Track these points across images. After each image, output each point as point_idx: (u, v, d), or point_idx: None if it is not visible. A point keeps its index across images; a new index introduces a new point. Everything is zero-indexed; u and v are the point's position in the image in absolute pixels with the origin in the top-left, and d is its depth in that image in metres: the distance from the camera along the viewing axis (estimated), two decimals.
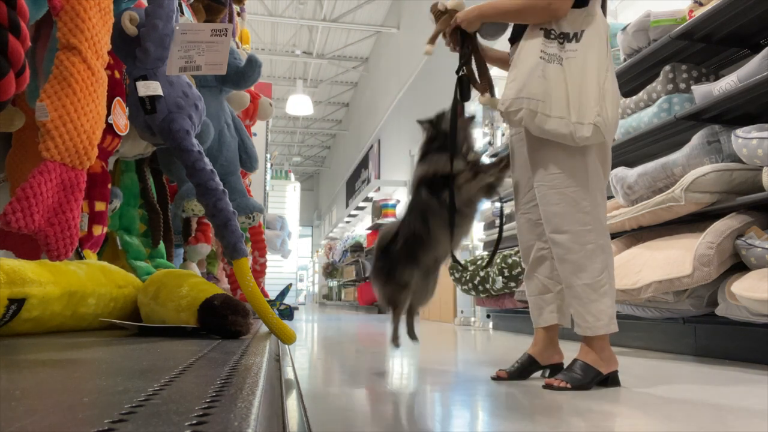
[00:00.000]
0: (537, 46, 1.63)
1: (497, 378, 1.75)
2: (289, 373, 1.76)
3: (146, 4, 1.74)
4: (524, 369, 1.77)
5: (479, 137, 5.61)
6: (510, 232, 4.17)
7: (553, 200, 1.65)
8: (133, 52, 1.74)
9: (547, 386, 1.58)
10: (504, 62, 2.05)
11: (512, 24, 1.82)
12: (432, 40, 1.86)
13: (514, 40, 1.81)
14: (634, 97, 2.93)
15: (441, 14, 1.85)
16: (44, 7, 1.42)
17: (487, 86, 1.82)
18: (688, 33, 2.60)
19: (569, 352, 1.80)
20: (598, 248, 1.62)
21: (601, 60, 1.63)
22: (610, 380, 1.64)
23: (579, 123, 1.58)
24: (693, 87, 2.57)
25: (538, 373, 1.81)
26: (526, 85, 1.60)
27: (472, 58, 1.85)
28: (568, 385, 1.56)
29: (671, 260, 2.34)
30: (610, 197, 3.06)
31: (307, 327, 4.93)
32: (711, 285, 2.28)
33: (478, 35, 1.87)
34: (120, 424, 0.50)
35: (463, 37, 1.84)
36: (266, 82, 9.41)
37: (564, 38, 1.63)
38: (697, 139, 2.50)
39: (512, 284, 3.97)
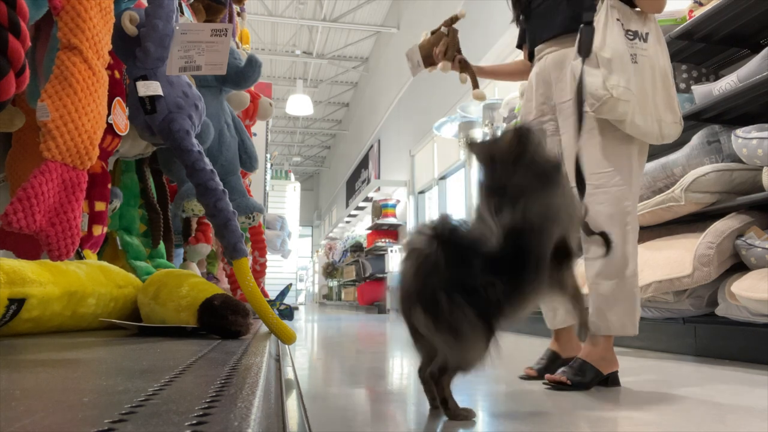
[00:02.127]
0: (622, 39, 1.61)
1: (527, 377, 1.74)
2: (289, 373, 1.76)
3: (146, 4, 1.74)
4: (549, 365, 1.77)
5: (479, 137, 5.61)
6: None
7: (598, 199, 1.63)
8: (133, 52, 1.74)
9: (548, 380, 1.58)
10: (497, 74, 2.15)
11: (540, 18, 1.84)
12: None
13: (539, 38, 1.83)
14: None
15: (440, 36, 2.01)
16: (44, 7, 1.43)
17: (476, 82, 1.98)
18: (688, 33, 2.59)
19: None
20: (634, 249, 1.63)
21: (669, 63, 1.69)
22: (610, 380, 1.64)
23: (664, 121, 1.62)
24: (693, 87, 2.56)
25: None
26: (630, 79, 1.58)
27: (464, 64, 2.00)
28: (568, 381, 1.55)
29: (671, 260, 2.34)
30: None
31: (307, 327, 4.93)
32: (711, 285, 2.28)
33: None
34: (120, 424, 0.50)
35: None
36: (266, 82, 9.41)
37: (634, 36, 1.64)
38: (697, 139, 2.50)
39: None
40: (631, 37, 1.63)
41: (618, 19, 1.63)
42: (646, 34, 1.65)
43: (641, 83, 1.61)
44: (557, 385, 1.55)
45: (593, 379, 1.59)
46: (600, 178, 1.63)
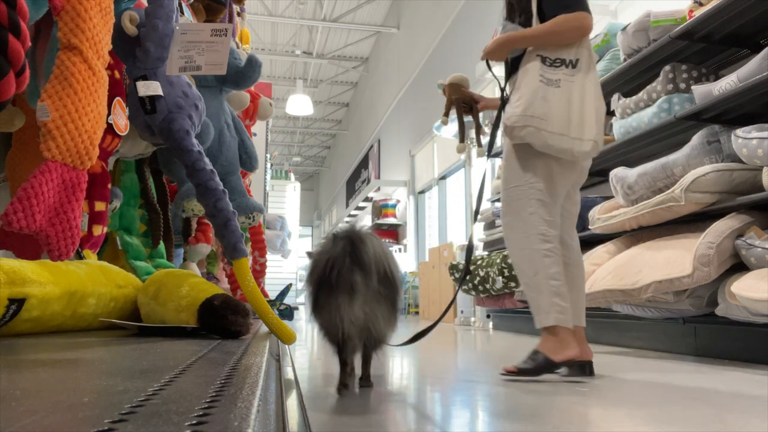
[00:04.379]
0: (536, 71, 1.82)
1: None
2: (289, 373, 1.76)
3: (146, 4, 1.74)
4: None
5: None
6: None
7: (504, 210, 1.92)
8: (133, 52, 1.74)
9: (505, 371, 1.74)
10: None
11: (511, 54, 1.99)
12: (446, 113, 2.27)
13: (512, 70, 2.00)
14: (634, 97, 2.93)
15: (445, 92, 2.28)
16: (44, 7, 1.43)
17: (463, 136, 2.30)
18: (688, 33, 2.60)
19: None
20: (533, 252, 1.80)
21: (597, 86, 1.87)
22: (588, 369, 1.80)
23: (578, 139, 1.80)
24: (693, 87, 2.56)
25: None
26: (530, 105, 1.79)
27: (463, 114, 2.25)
28: (515, 368, 1.72)
29: (671, 260, 2.34)
30: (609, 197, 3.05)
31: (307, 327, 4.93)
32: (711, 285, 2.28)
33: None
34: (120, 424, 0.51)
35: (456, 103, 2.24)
36: (266, 82, 9.41)
37: (561, 63, 1.84)
38: (697, 139, 2.50)
39: (512, 284, 3.97)
40: (558, 65, 1.83)
41: (539, 55, 1.83)
42: (576, 60, 1.84)
43: (563, 105, 1.80)
44: (510, 374, 1.72)
45: (541, 366, 1.73)
46: (506, 190, 1.89)
